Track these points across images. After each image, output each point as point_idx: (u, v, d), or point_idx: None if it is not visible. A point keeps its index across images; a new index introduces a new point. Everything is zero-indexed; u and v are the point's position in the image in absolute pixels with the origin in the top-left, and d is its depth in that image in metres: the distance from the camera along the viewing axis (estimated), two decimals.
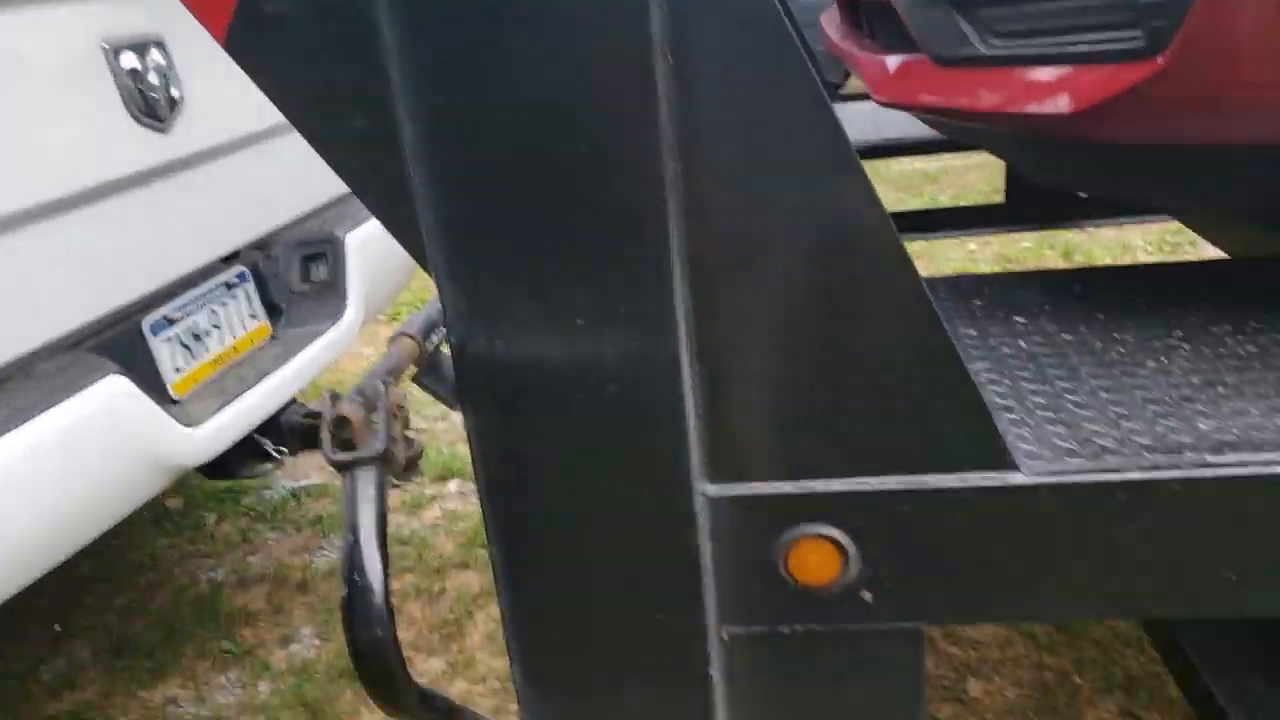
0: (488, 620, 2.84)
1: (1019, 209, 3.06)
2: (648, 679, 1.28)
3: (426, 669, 2.68)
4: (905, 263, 1.08)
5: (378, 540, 0.97)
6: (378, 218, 1.10)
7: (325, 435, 0.97)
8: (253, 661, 2.83)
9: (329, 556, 3.18)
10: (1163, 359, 1.39)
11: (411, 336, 1.11)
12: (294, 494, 3.69)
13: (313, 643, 2.88)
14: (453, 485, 3.58)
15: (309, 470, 3.71)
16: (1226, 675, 1.49)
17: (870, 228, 1.07)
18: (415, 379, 1.12)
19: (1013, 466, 1.15)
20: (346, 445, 0.99)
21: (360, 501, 0.97)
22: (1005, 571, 1.19)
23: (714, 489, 1.19)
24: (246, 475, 2.47)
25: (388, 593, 0.97)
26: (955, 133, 1.90)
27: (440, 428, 3.94)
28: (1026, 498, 1.15)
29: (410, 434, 1.25)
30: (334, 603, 2.94)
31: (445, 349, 1.17)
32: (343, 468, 0.98)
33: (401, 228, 1.09)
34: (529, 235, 1.05)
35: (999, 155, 1.89)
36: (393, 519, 3.44)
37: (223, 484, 3.76)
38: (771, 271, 1.10)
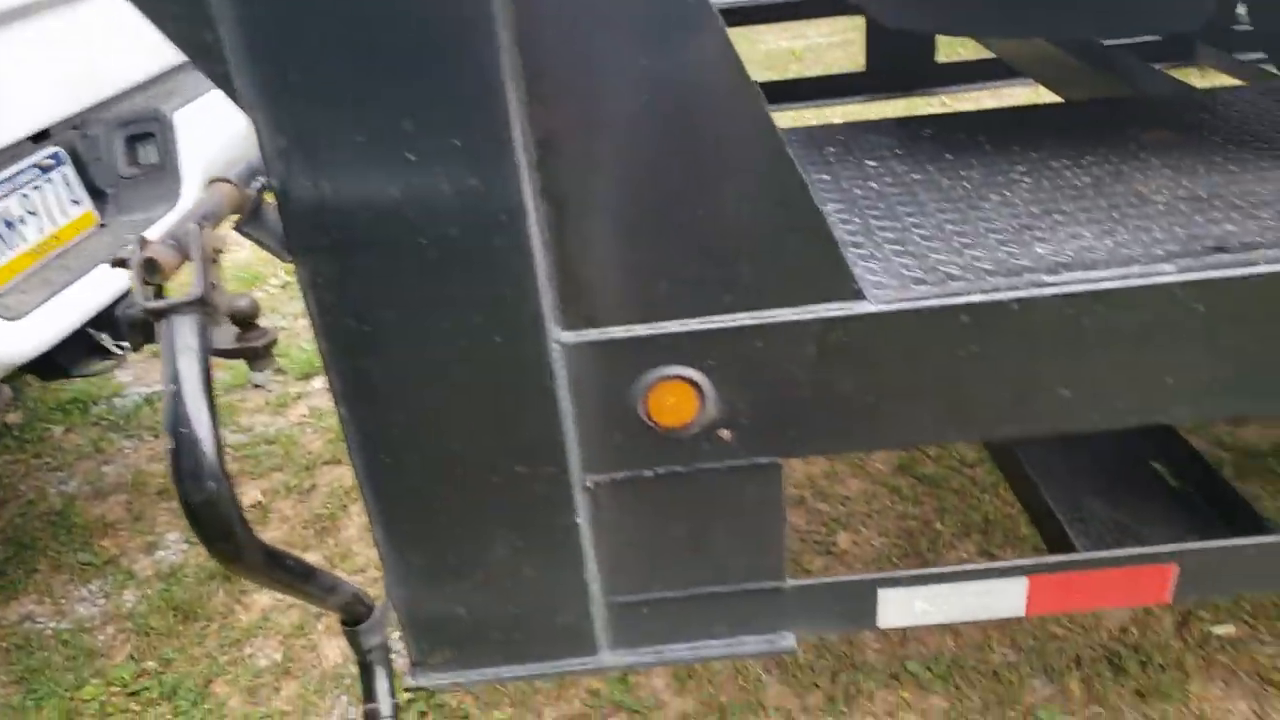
0: (362, 513, 2.78)
1: (878, 77, 3.08)
2: (513, 532, 1.27)
3: None
4: (755, 101, 1.05)
5: (203, 389, 0.91)
6: (178, 46, 0.99)
7: (135, 281, 0.88)
8: (115, 571, 2.71)
9: None
10: (1006, 192, 1.41)
11: (229, 181, 1.02)
12: (148, 400, 3.50)
13: (180, 548, 2.78)
14: (318, 382, 3.46)
15: None
16: (1066, 495, 1.58)
17: (719, 62, 1.03)
18: (237, 227, 1.04)
19: (860, 296, 1.16)
20: (161, 294, 0.91)
21: (180, 350, 0.90)
22: (858, 400, 1.21)
23: (569, 336, 1.16)
24: (86, 373, 2.31)
25: (219, 444, 0.91)
26: None
27: (302, 325, 3.78)
28: (874, 325, 1.16)
29: (264, 324, 1.18)
30: None
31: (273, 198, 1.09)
32: (158, 315, 0.90)
33: (205, 56, 0.98)
34: (345, 57, 0.97)
35: (860, 8, 1.86)
36: (258, 419, 3.31)
37: (67, 394, 3.53)
38: (617, 104, 1.05)
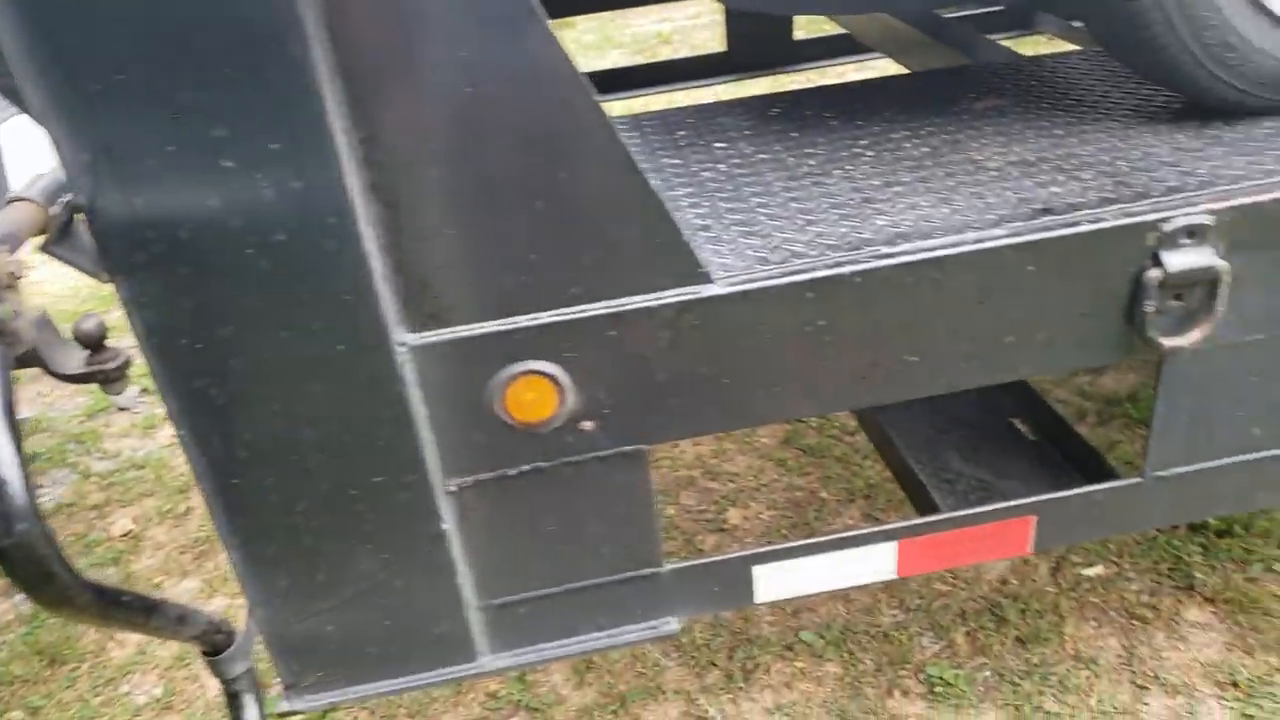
0: None
1: (740, 57, 3.11)
2: (378, 544, 1.24)
3: (182, 590, 2.52)
4: (582, 91, 1.04)
5: (6, 424, 0.85)
6: None
7: None
8: None
9: (51, 493, 2.88)
10: (849, 167, 1.44)
11: (30, 199, 0.95)
12: None
13: None
14: None
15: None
16: (931, 456, 1.64)
17: (541, 53, 1.01)
18: (46, 248, 0.97)
19: (707, 280, 1.17)
20: None
21: None
22: (715, 381, 1.22)
23: (416, 338, 1.13)
24: None
25: (29, 481, 0.85)
26: None
27: None
28: (723, 307, 1.17)
29: (116, 344, 1.11)
30: (64, 543, 2.68)
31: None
32: None
33: None
34: (147, 61, 0.92)
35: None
36: (125, 443, 3.16)
37: None
38: (440, 99, 1.02)
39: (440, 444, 1.20)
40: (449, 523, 1.24)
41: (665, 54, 5.58)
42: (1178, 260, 1.21)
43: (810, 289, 1.18)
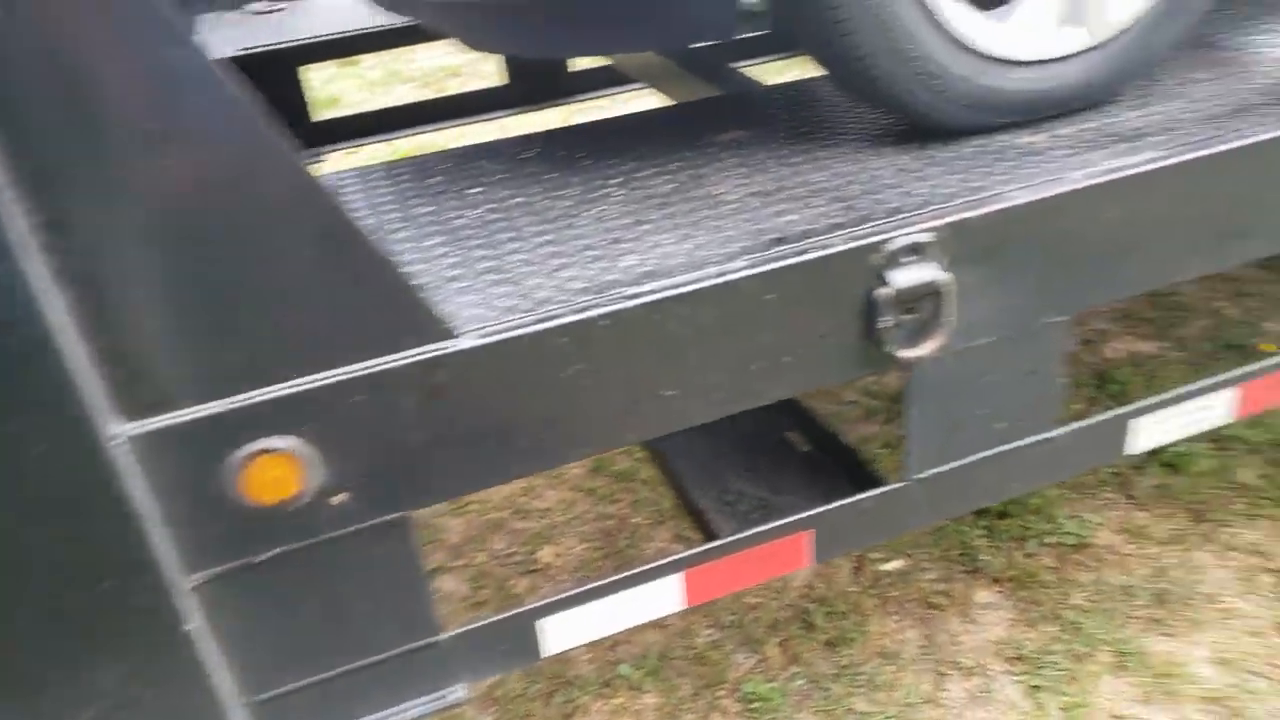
0: None
1: (520, 89, 3.10)
2: (118, 656, 1.13)
3: None
4: (285, 154, 0.98)
5: None
6: None
7: None
8: None
9: None
10: (600, 207, 1.44)
11: None
12: None
13: None
14: None
15: None
16: (712, 479, 1.66)
17: (233, 118, 0.95)
18: None
19: (451, 335, 1.13)
20: None
21: None
22: (475, 436, 1.19)
23: (134, 427, 1.04)
24: None
25: None
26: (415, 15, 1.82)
27: None
28: (472, 361, 1.14)
29: None
30: None
31: None
32: None
33: None
34: None
35: (447, 33, 1.84)
36: None
37: None
38: (126, 172, 0.94)
39: (177, 538, 1.10)
40: (195, 622, 1.14)
41: (454, 86, 5.52)
42: (904, 277, 1.28)
43: (560, 335, 1.17)
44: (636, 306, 1.19)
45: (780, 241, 1.28)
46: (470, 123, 3.27)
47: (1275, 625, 2.09)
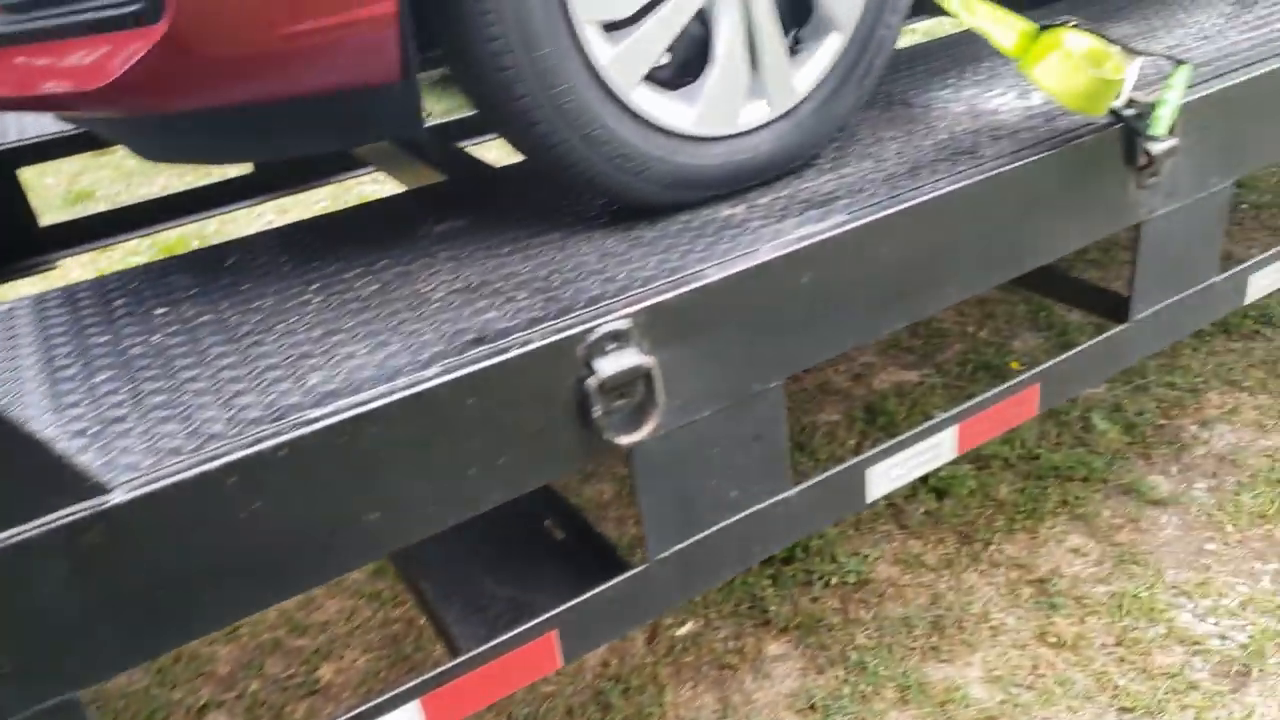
0: None
1: (266, 177, 2.97)
2: None
3: None
4: None
5: None
6: None
7: None
8: None
9: None
10: (294, 318, 1.36)
11: None
12: None
13: None
14: None
15: None
16: (461, 585, 1.58)
17: None
18: None
19: (102, 490, 1.02)
20: None
21: None
22: (147, 597, 1.07)
23: None
24: None
25: None
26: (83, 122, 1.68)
27: None
28: (127, 516, 1.03)
29: None
30: None
31: None
32: None
33: None
34: None
35: (120, 143, 1.71)
36: None
37: None
38: None
39: None
40: None
41: (216, 173, 5.28)
42: (609, 365, 1.26)
43: (229, 474, 1.07)
44: (315, 432, 1.11)
45: (479, 342, 1.24)
46: (219, 214, 3.11)
47: (1036, 635, 2.21)
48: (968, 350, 3.24)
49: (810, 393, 3.09)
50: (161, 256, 4.80)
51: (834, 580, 2.42)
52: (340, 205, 5.00)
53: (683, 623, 2.39)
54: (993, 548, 2.46)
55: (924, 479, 2.59)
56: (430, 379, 1.17)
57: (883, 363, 3.23)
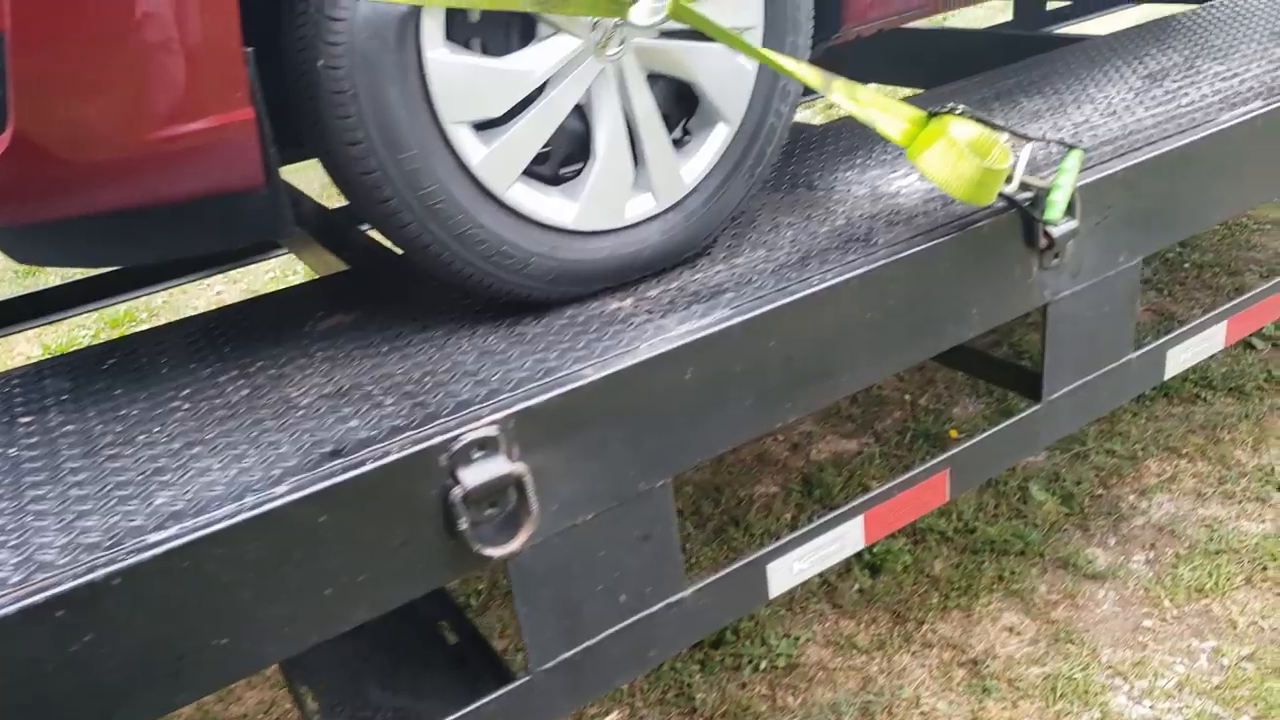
0: None
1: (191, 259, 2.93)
2: None
3: None
4: None
5: None
6: None
7: None
8: None
9: None
10: (158, 427, 1.32)
11: None
12: None
13: None
14: None
15: None
16: (347, 699, 1.52)
17: None
18: None
19: None
20: None
21: None
22: None
23: None
24: None
25: None
26: None
27: None
28: None
29: None
30: None
31: None
32: None
33: None
34: None
35: None
36: None
37: None
38: None
39: None
40: None
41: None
42: (474, 474, 1.22)
43: (56, 607, 1.02)
44: (154, 558, 1.06)
45: (335, 455, 1.20)
46: (171, 286, 3.06)
47: None
48: (907, 418, 3.22)
49: (747, 464, 3.06)
50: (106, 331, 4.72)
51: (763, 665, 2.36)
52: (290, 275, 4.99)
53: (607, 711, 2.32)
54: (926, 627, 2.41)
55: (858, 555, 2.55)
56: (278, 497, 1.12)
57: (822, 431, 3.20)
